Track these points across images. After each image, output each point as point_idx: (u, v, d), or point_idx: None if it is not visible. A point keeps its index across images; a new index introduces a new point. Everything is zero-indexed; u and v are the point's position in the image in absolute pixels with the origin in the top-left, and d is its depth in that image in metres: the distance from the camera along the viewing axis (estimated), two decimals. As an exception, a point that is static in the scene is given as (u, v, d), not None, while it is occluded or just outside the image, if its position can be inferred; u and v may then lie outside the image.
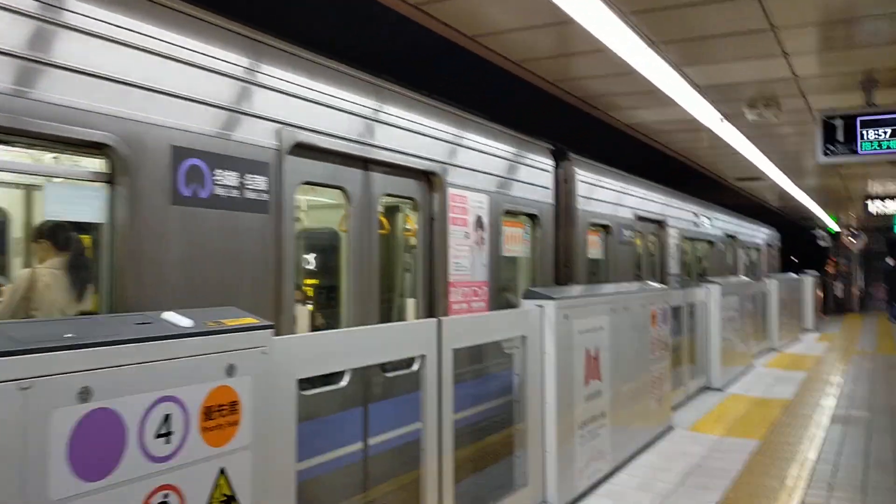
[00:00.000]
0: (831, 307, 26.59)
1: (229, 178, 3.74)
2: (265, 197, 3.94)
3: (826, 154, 6.57)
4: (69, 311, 3.83)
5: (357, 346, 3.31)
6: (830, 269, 28.74)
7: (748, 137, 9.72)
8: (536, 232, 7.17)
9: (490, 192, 6.26)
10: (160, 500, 2.27)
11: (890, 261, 19.96)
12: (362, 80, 4.89)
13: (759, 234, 19.34)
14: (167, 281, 3.40)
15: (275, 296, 3.83)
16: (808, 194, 17.43)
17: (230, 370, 2.51)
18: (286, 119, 4.16)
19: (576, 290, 6.11)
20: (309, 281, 5.71)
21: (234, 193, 3.77)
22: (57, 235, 4.00)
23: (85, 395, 2.04)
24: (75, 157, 3.30)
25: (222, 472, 2.47)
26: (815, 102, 7.42)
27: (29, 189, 4.84)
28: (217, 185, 3.68)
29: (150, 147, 3.36)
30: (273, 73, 4.14)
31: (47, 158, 3.36)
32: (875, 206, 16.48)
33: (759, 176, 13.74)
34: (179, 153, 3.49)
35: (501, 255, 6.44)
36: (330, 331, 3.16)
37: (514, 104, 8.43)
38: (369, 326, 3.57)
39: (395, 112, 5.17)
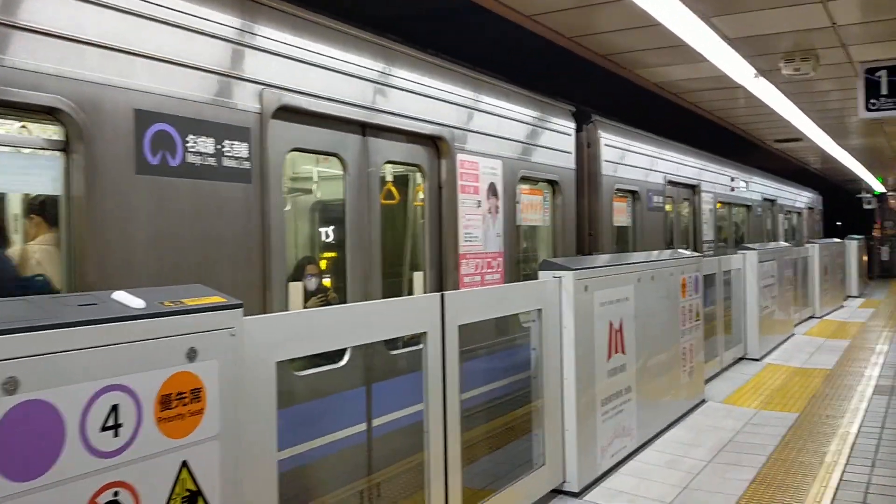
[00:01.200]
0: (876, 272, 25.78)
1: (204, 144, 3.43)
2: (246, 165, 3.64)
3: (869, 109, 6.12)
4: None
5: (347, 324, 3.07)
6: (876, 233, 27.80)
7: (786, 95, 9.20)
8: (557, 199, 6.84)
9: (504, 157, 5.93)
10: (109, 499, 2.06)
11: None
12: (360, 39, 4.56)
13: (800, 197, 18.70)
14: (134, 258, 3.14)
15: (261, 272, 3.57)
16: (851, 154, 16.71)
17: (191, 354, 2.28)
18: (269, 80, 3.83)
19: (598, 259, 5.80)
20: (327, 254, 5.40)
21: (210, 161, 3.46)
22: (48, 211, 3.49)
23: (10, 386, 1.83)
24: (25, 124, 2.98)
25: (185, 465, 2.26)
26: (857, 54, 6.91)
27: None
28: (190, 152, 3.37)
29: (109, 111, 3.06)
30: (255, 31, 3.81)
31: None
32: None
33: (799, 137, 13.16)
34: (145, 117, 3.20)
35: (518, 225, 6.13)
36: (316, 308, 2.92)
37: (534, 65, 8.15)
38: (363, 303, 3.33)
39: (397, 73, 4.84)
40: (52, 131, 2.98)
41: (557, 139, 6.82)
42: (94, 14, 3.06)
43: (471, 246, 5.38)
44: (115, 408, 2.08)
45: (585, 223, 7.40)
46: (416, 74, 5.02)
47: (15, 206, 3.43)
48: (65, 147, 2.98)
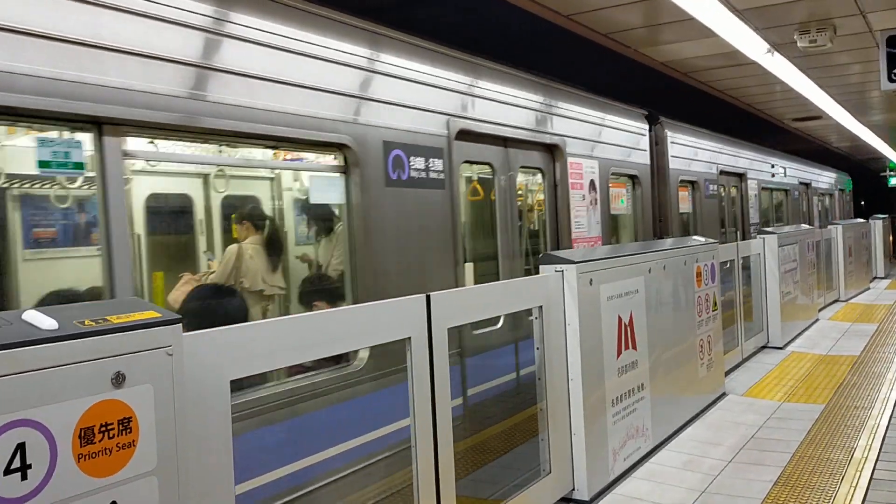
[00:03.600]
0: (902, 251, 25.12)
1: (419, 162, 4.84)
2: (442, 175, 5.03)
3: (892, 79, 5.71)
4: (267, 280, 4.89)
5: (315, 333, 2.77)
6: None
7: (801, 70, 8.76)
8: (636, 191, 8.21)
9: (600, 158, 7.25)
10: (19, 552, 1.78)
11: None
12: (505, 73, 5.97)
13: (831, 180, 19.81)
14: (386, 243, 4.53)
15: (453, 254, 5.04)
16: (873, 131, 16.16)
17: (118, 379, 2.00)
18: (453, 112, 5.23)
19: (603, 251, 5.48)
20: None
21: (423, 174, 4.87)
22: (254, 218, 5.07)
23: None
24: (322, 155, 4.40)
25: (114, 506, 1.97)
26: (877, 22, 6.48)
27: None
28: (412, 168, 4.77)
29: (370, 144, 4.44)
30: (447, 76, 5.24)
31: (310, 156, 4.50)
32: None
33: (818, 115, 12.69)
34: (388, 146, 4.58)
35: (610, 214, 7.50)
36: (281, 318, 2.62)
37: (604, 74, 9.16)
38: (336, 310, 3.03)
39: (525, 96, 6.18)
40: (337, 160, 4.38)
41: (636, 139, 8.13)
42: (368, 78, 4.54)
43: (579, 232, 6.79)
44: (21, 447, 1.79)
45: (657, 211, 8.69)
46: (538, 95, 6.38)
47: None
48: (344, 170, 4.36)
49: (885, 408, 6.38)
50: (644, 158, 8.27)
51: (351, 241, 4.36)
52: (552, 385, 4.44)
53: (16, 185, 3.76)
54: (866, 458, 5.18)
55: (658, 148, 8.66)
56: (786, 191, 14.93)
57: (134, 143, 3.31)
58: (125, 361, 2.01)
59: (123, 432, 2.00)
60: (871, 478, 4.80)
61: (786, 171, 14.48)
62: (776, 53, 7.54)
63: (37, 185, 3.81)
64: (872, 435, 5.65)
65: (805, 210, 16.35)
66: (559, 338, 4.51)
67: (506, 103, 5.83)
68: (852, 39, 7.22)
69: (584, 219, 6.83)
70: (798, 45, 6.49)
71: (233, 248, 4.94)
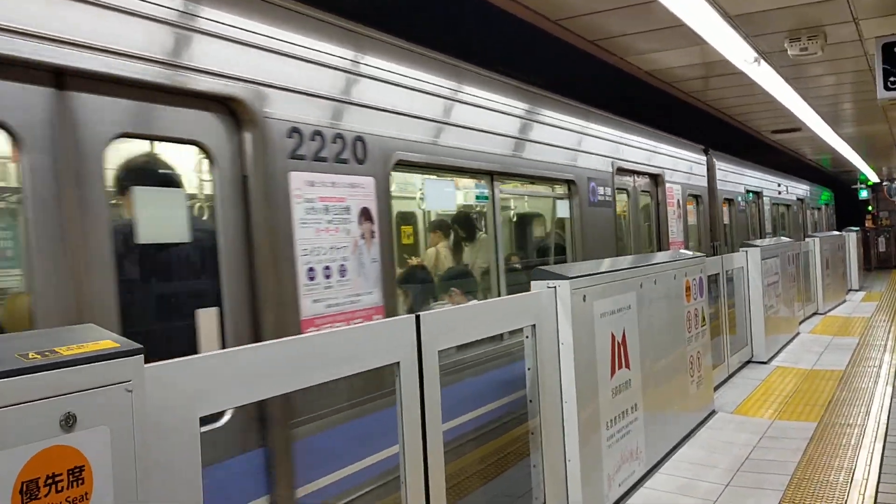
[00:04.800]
0: (874, 263, 25.36)
1: (601, 190, 7.13)
2: (610, 198, 7.30)
3: (889, 87, 5.56)
4: (448, 265, 6.28)
5: (296, 360, 2.48)
6: (869, 224, 27.36)
7: (786, 80, 8.65)
8: (699, 207, 10.63)
9: (682, 183, 9.72)
10: None
11: None
12: (633, 126, 8.29)
13: (818, 194, 22.40)
14: (589, 239, 6.84)
15: (615, 245, 7.43)
16: (848, 144, 16.19)
17: (67, 422, 1.70)
18: (615, 156, 7.56)
19: (595, 265, 5.24)
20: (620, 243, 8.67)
21: (601, 198, 7.12)
22: (444, 228, 6.41)
23: None
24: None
25: (64, 570, 1.68)
26: (869, 30, 6.35)
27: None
28: (597, 194, 7.04)
29: (581, 179, 6.77)
30: (611, 132, 7.58)
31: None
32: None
33: (798, 126, 12.64)
34: (589, 180, 6.89)
35: (687, 224, 9.86)
36: (256, 345, 2.33)
37: (668, 114, 11.26)
38: (319, 334, 2.73)
39: (645, 141, 8.58)
40: (567, 190, 6.74)
41: (698, 168, 10.61)
42: (581, 137, 6.98)
43: (672, 238, 9.21)
44: (-53, 508, 1.50)
45: (709, 222, 11.00)
46: (651, 140, 8.79)
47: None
48: (568, 196, 6.73)
49: (879, 426, 6.21)
50: (703, 182, 10.79)
51: (573, 238, 6.80)
52: (545, 407, 4.18)
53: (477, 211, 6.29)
54: (867, 479, 4.99)
55: (710, 173, 11.05)
56: (788, 205, 17.54)
57: (501, 186, 5.76)
58: (77, 400, 1.72)
59: (74, 483, 1.70)
60: (875, 501, 4.60)
61: (787, 188, 17.22)
62: (762, 62, 7.40)
63: (475, 211, 6.38)
64: (870, 455, 5.46)
65: (801, 221, 18.93)
66: (552, 357, 4.25)
67: (637, 147, 8.26)
68: (841, 48, 7.11)
69: (675, 227, 9.35)
70: (788, 52, 6.34)
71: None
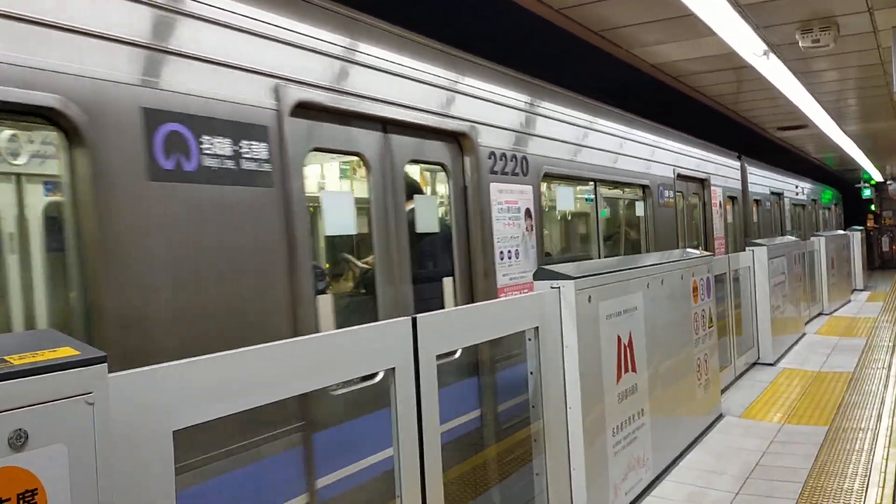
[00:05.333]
0: (877, 263, 25.16)
1: (666, 193, 8.74)
2: (672, 200, 8.91)
3: (907, 80, 5.35)
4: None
5: (277, 370, 2.28)
6: (870, 223, 27.12)
7: (794, 74, 8.43)
8: (735, 207, 12.01)
9: (722, 186, 11.00)
10: None
11: None
12: (685, 137, 9.65)
13: (830, 195, 23.44)
14: (656, 233, 8.43)
15: (676, 237, 9.12)
16: (854, 142, 15.96)
17: (17, 440, 1.51)
18: (675, 164, 9.11)
19: (600, 265, 5.05)
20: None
21: (667, 199, 8.73)
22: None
23: None
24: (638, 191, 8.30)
25: None
26: (883, 21, 6.13)
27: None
28: (664, 197, 8.65)
29: (654, 184, 8.44)
30: (672, 144, 9.17)
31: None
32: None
33: (804, 123, 12.44)
34: (659, 186, 8.49)
35: (726, 222, 11.22)
36: (235, 351, 2.13)
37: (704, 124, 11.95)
38: (305, 338, 2.53)
39: (695, 151, 9.95)
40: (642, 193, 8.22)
41: (734, 172, 11.96)
42: (654, 150, 8.43)
43: (717, 234, 10.53)
44: None
45: (742, 220, 12.44)
46: (699, 149, 10.20)
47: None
48: (643, 198, 8.15)
49: (892, 431, 6.01)
50: (738, 185, 12.16)
51: (647, 231, 8.15)
52: (549, 414, 3.99)
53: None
54: (882, 487, 4.79)
55: (743, 176, 12.41)
56: (803, 205, 18.78)
57: (601, 190, 7.22)
58: (29, 416, 1.53)
59: (25, 511, 1.52)
60: (892, 511, 4.42)
61: (803, 190, 18.56)
62: (772, 55, 7.19)
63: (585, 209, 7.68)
64: (885, 461, 5.27)
65: (814, 220, 20.34)
66: (556, 361, 4.06)
67: (691, 157, 9.70)
68: (853, 41, 6.90)
69: (718, 225, 10.57)
70: (800, 44, 6.13)
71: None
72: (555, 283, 4.09)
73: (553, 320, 4.05)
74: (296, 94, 3.48)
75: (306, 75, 3.58)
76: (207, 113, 3.04)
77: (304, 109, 3.54)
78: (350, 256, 4.80)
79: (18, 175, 2.84)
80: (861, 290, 17.61)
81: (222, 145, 3.09)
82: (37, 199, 2.89)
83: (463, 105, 4.83)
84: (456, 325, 3.18)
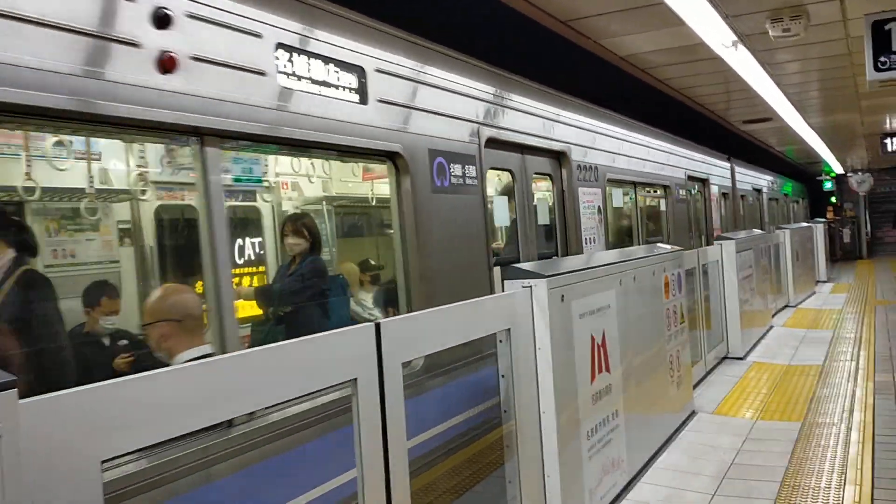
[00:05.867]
0: (839, 254, 25.48)
1: (681, 192, 10.81)
2: (684, 197, 10.97)
3: (879, 68, 5.25)
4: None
5: (224, 387, 2.05)
6: (830, 215, 27.47)
7: (762, 65, 8.35)
8: (726, 202, 14.00)
9: (718, 185, 13.09)
10: None
11: None
12: (697, 146, 12.23)
13: (798, 189, 25.53)
14: (676, 229, 10.53)
15: (687, 234, 11.11)
16: (817, 134, 16.05)
17: None
18: (686, 168, 11.24)
19: (572, 262, 4.88)
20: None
21: (681, 197, 10.69)
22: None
23: None
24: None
25: None
26: (853, 9, 6.03)
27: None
28: (679, 195, 10.72)
29: (672, 184, 10.39)
30: (714, 162, 13.02)
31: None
32: (895, 144, 15.15)
33: (769, 116, 12.45)
34: (675, 185, 10.48)
35: (721, 214, 13.35)
36: (175, 368, 1.90)
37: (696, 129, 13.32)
38: (253, 350, 2.28)
39: (697, 155, 12.10)
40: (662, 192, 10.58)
41: (725, 172, 14.10)
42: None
43: (715, 224, 12.47)
44: None
45: (732, 213, 14.41)
46: (702, 155, 12.39)
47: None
48: (665, 196, 10.30)
49: (865, 425, 5.95)
50: (728, 183, 14.21)
51: (667, 223, 9.94)
52: (521, 419, 3.80)
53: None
54: (860, 485, 4.70)
55: (732, 175, 14.45)
56: (777, 199, 20.92)
57: (640, 190, 9.74)
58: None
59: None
60: (872, 508, 4.32)
61: (778, 185, 20.92)
62: (740, 46, 7.09)
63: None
64: (860, 457, 5.19)
65: (787, 213, 22.47)
66: (528, 364, 3.87)
67: (696, 160, 11.80)
68: (822, 31, 6.83)
69: (716, 217, 12.66)
70: (770, 34, 6.02)
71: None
72: (526, 282, 3.90)
73: (525, 321, 3.86)
74: (486, 133, 5.42)
75: (490, 119, 5.51)
76: (451, 149, 4.94)
77: (488, 142, 5.39)
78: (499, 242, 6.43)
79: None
80: (824, 282, 17.77)
81: (457, 169, 4.99)
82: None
83: (562, 131, 6.69)
84: (422, 330, 2.97)
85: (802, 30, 5.71)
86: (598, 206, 7.34)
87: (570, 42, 6.77)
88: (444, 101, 4.94)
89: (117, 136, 3.88)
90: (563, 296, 4.05)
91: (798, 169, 25.58)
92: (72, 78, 2.58)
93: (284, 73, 3.58)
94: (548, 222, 6.62)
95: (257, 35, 3.43)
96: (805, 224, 17.35)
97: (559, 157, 6.65)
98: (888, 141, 15.37)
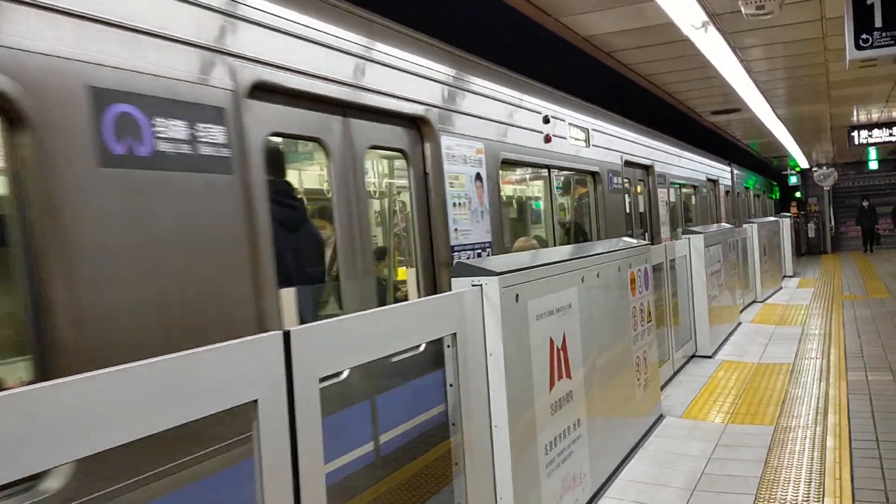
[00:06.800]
0: (804, 249, 25.47)
1: (704, 189, 14.23)
2: (706, 193, 14.50)
3: (860, 46, 4.89)
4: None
5: (72, 416, 1.57)
6: (793, 210, 27.47)
7: (732, 50, 7.98)
8: (728, 197, 16.17)
9: (723, 184, 15.38)
10: None
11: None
12: (712, 155, 15.41)
13: (769, 184, 26.90)
14: (701, 217, 14.36)
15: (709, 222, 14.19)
16: (785, 126, 15.83)
17: None
18: (707, 172, 14.54)
19: (528, 257, 4.44)
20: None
21: (705, 192, 14.30)
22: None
23: None
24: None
25: None
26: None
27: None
28: (704, 192, 14.29)
29: (700, 184, 14.07)
30: (703, 160, 14.48)
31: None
32: (862, 137, 14.98)
33: (738, 107, 12.15)
34: (701, 183, 14.08)
35: (726, 208, 16.20)
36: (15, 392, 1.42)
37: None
38: (119, 369, 1.80)
39: (711, 162, 14.91)
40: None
41: (727, 173, 16.22)
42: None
43: (723, 215, 15.33)
44: None
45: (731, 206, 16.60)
46: (713, 161, 15.34)
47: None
48: (695, 192, 13.78)
49: (840, 429, 5.62)
50: (728, 181, 16.24)
51: (697, 211, 13.08)
52: (470, 433, 3.36)
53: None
54: (840, 496, 4.34)
55: (732, 176, 16.75)
56: (758, 195, 23.19)
57: (682, 190, 12.98)
58: None
59: None
60: (853, 524, 3.96)
61: (760, 182, 23.32)
62: (710, 28, 6.70)
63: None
64: (838, 465, 4.84)
65: (761, 207, 24.01)
66: (479, 372, 3.44)
67: (711, 167, 14.64)
68: (798, 10, 6.47)
69: (723, 209, 15.07)
70: (742, 11, 5.63)
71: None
72: (476, 279, 3.46)
73: (475, 324, 3.42)
74: (624, 157, 7.40)
75: (627, 149, 7.56)
76: (611, 170, 7.36)
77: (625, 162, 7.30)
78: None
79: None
80: (791, 277, 17.64)
81: (617, 178, 7.34)
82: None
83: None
84: (347, 338, 2.51)
85: (777, 7, 5.33)
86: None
87: (529, 20, 6.31)
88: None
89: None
90: (517, 295, 3.62)
91: (763, 163, 25.52)
92: (529, 148, 5.78)
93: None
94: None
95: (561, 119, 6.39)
96: (772, 218, 17.17)
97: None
98: (855, 134, 15.21)
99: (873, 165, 23.61)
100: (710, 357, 8.58)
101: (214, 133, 2.76)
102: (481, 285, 3.45)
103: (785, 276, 17.13)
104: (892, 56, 4.86)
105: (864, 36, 4.84)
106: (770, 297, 14.00)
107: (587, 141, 7.19)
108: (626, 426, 5.29)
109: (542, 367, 3.86)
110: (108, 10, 2.42)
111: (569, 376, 4.19)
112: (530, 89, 6.14)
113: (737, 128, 16.40)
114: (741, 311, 11.61)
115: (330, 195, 3.73)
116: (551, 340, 4.00)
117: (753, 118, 13.90)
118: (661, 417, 6.12)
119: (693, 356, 8.54)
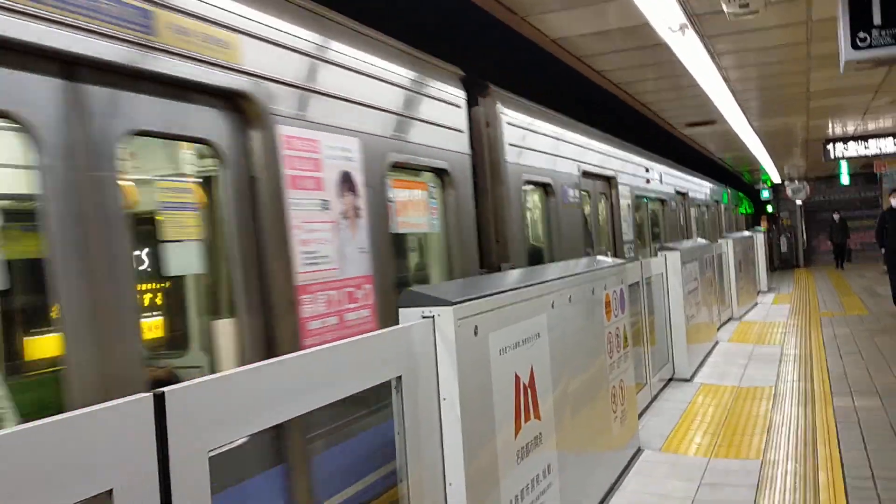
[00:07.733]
0: (776, 263, 25.31)
1: (707, 203, 17.19)
2: (707, 207, 17.01)
3: (857, 45, 4.47)
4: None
5: None
6: (763, 224, 27.35)
7: (711, 56, 7.57)
8: (719, 210, 19.61)
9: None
10: None
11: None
12: (707, 178, 17.97)
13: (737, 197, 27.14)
14: (707, 228, 16.85)
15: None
16: (759, 138, 15.54)
17: None
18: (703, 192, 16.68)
19: (487, 282, 3.91)
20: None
21: (707, 206, 16.90)
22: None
23: None
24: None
25: None
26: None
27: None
28: (706, 204, 17.02)
29: (708, 201, 17.68)
30: (705, 182, 17.23)
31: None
32: (838, 150, 14.74)
33: (713, 119, 11.79)
34: (704, 200, 16.97)
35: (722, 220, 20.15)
36: None
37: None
38: None
39: (706, 182, 17.56)
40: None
41: (721, 190, 20.01)
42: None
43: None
44: None
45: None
46: (710, 182, 18.44)
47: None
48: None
49: (832, 463, 5.18)
50: (702, 196, 16.48)
51: (704, 224, 15.70)
52: (421, 492, 2.83)
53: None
54: (839, 548, 3.87)
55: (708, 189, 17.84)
56: (729, 209, 23.17)
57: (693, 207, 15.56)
58: None
59: None
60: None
61: (730, 195, 23.23)
62: (688, 31, 6.27)
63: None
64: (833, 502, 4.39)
65: (734, 221, 23.94)
66: (431, 418, 2.91)
67: (708, 186, 17.50)
68: (782, 10, 6.06)
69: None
70: (725, 10, 5.19)
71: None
72: (427, 310, 2.94)
73: (426, 363, 2.90)
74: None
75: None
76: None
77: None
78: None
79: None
80: (766, 292, 17.36)
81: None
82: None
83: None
84: (249, 395, 1.97)
85: (762, 5, 4.92)
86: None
87: (496, 20, 5.82)
88: None
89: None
90: (476, 327, 3.10)
91: (737, 177, 25.42)
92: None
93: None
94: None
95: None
96: (746, 233, 16.89)
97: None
98: (831, 147, 14.98)
99: (845, 180, 23.51)
100: (688, 380, 8.13)
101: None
102: (433, 317, 2.93)
103: (760, 292, 16.84)
104: (892, 56, 4.45)
105: (861, 35, 4.42)
106: (746, 313, 13.66)
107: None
108: (602, 465, 4.79)
109: (505, 409, 3.34)
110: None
111: (537, 417, 3.68)
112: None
113: (710, 141, 16.09)
114: (718, 329, 11.22)
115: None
116: (517, 377, 3.48)
117: (728, 130, 13.57)
118: (639, 451, 5.63)
119: (671, 379, 8.09)
